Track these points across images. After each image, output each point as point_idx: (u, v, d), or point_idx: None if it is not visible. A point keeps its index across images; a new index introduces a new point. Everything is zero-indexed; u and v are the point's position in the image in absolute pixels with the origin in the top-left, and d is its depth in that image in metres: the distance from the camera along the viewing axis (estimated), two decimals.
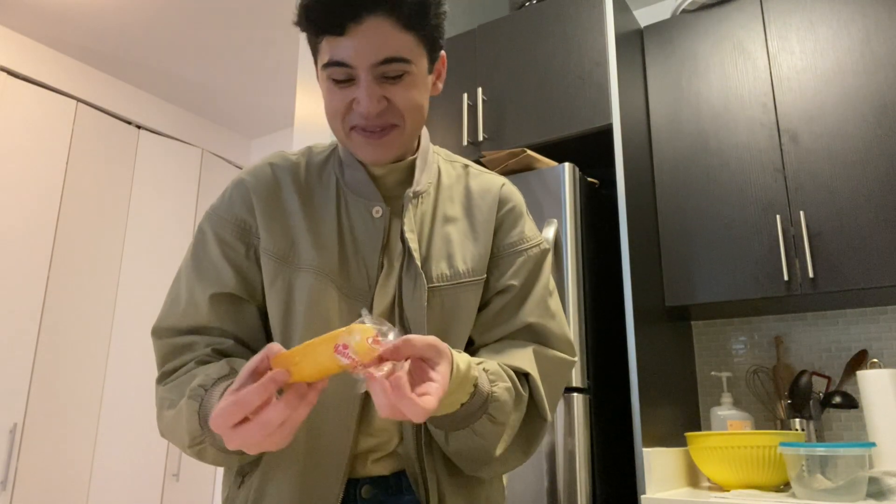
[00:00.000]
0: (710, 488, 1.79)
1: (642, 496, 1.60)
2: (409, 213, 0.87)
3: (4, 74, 2.85)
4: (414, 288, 0.84)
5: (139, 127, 3.38)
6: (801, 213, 1.83)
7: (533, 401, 0.85)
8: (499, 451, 0.80)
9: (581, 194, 1.85)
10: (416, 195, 0.89)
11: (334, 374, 0.62)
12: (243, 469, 0.85)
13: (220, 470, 3.46)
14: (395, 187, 0.90)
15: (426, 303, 0.83)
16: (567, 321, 1.70)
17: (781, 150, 1.92)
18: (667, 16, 2.62)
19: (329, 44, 0.78)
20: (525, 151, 1.93)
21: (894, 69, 1.81)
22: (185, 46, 3.04)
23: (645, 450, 1.64)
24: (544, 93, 2.08)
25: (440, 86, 0.93)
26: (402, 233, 0.86)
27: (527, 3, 2.31)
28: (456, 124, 2.25)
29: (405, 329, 0.84)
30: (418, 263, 0.84)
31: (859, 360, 1.92)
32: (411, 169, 0.91)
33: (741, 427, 1.92)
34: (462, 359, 0.72)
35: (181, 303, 0.86)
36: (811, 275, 1.78)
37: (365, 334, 0.60)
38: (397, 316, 0.84)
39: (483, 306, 0.90)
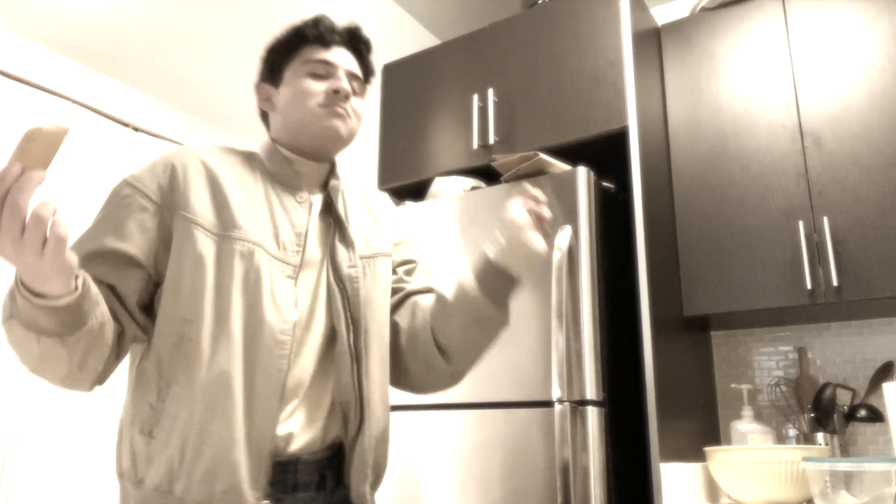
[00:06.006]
0: None
1: None
2: (338, 198, 1.11)
3: None
4: (347, 250, 1.06)
5: (136, 129, 3.32)
6: (825, 218, 1.81)
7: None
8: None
9: (596, 199, 1.83)
10: (337, 188, 1.12)
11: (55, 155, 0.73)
12: (146, 424, 0.92)
13: None
14: (314, 184, 1.12)
15: (358, 265, 1.06)
16: (581, 331, 1.69)
17: (804, 153, 1.90)
18: (685, 14, 2.60)
19: (313, 51, 1.08)
20: (538, 155, 1.91)
21: None
22: (183, 46, 3.02)
23: (662, 465, 1.63)
24: (558, 94, 2.06)
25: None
26: (336, 210, 1.08)
27: (539, 1, 2.30)
28: (465, 127, 2.23)
29: (343, 290, 1.03)
30: (350, 231, 1.08)
31: (885, 372, 1.90)
32: (330, 171, 1.14)
33: (762, 441, 1.92)
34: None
35: (86, 242, 0.95)
36: (835, 283, 1.76)
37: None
38: (334, 279, 1.03)
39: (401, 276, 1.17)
